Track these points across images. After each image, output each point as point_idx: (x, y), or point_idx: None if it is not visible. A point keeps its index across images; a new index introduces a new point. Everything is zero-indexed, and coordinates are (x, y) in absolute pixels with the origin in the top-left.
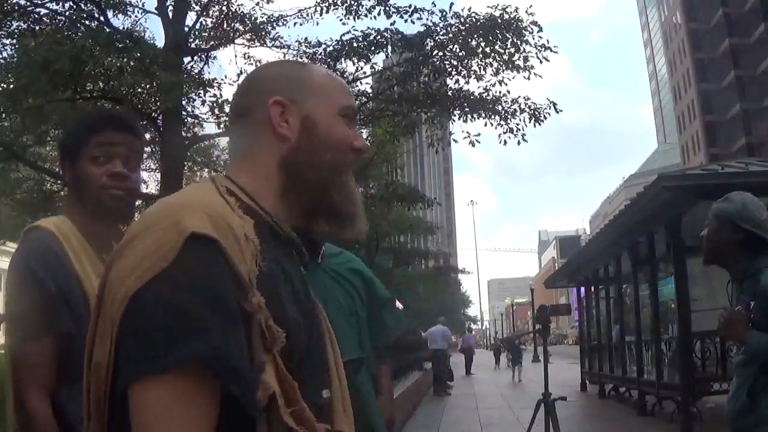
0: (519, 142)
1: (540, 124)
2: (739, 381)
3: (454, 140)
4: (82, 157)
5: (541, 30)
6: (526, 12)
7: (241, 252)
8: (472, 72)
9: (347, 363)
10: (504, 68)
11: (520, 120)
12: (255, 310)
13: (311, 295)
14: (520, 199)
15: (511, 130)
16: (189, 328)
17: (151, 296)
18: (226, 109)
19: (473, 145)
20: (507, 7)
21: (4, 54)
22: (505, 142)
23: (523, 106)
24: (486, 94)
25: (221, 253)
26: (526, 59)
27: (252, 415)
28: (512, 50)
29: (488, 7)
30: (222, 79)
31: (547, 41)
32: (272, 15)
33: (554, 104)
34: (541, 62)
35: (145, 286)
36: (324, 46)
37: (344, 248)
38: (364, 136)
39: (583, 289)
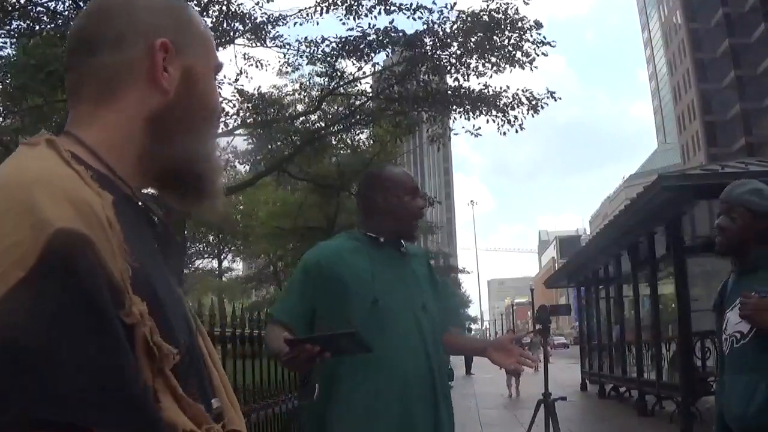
0: (517, 131)
1: (537, 113)
2: (749, 378)
3: (454, 134)
4: None
5: (541, 26)
6: (534, 25)
7: (110, 245)
8: (471, 70)
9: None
10: (503, 64)
11: (519, 112)
12: (136, 322)
13: (175, 283)
14: (518, 198)
15: (509, 122)
16: (56, 374)
17: (1, 321)
18: (227, 109)
19: (475, 137)
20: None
21: (4, 53)
22: (505, 133)
23: (522, 99)
24: (486, 90)
25: (95, 255)
26: (527, 55)
27: None
28: (510, 48)
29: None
30: (222, 79)
31: (544, 37)
32: (272, 15)
33: (552, 93)
34: (538, 56)
35: None
36: (327, 43)
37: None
38: (365, 136)
39: (583, 289)
